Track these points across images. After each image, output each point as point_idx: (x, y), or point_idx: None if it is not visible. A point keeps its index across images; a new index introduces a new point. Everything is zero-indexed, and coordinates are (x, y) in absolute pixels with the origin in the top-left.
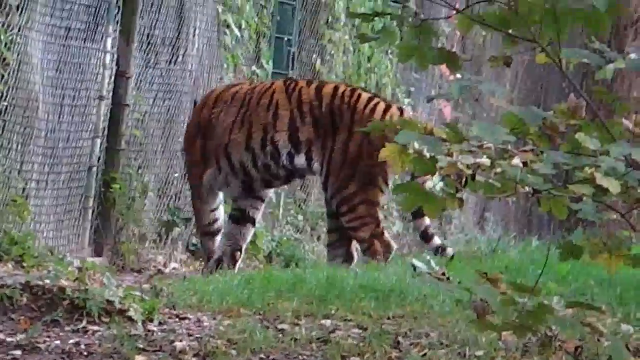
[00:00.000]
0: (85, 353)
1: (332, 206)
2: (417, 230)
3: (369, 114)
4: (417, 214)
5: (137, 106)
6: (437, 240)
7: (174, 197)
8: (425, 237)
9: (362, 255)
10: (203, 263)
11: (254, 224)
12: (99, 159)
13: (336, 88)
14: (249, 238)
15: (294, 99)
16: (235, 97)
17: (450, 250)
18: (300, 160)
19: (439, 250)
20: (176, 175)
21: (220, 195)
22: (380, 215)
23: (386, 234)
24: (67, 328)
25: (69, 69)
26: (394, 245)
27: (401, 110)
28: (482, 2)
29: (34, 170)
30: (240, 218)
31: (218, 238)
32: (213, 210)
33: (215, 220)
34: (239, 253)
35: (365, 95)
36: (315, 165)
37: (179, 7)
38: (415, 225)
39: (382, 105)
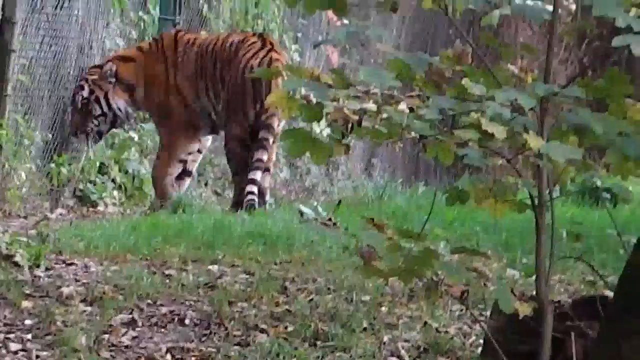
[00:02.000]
0: None
1: None
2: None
3: (249, 57)
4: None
5: (23, 52)
6: (258, 175)
7: (60, 143)
8: (252, 167)
9: None
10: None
11: (190, 175)
12: None
13: (234, 36)
14: (184, 188)
15: (219, 51)
16: (195, 44)
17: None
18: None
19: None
20: (62, 121)
21: None
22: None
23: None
24: None
25: None
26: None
27: (271, 45)
28: None
29: None
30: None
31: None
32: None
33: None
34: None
35: (250, 39)
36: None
37: None
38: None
39: (258, 44)
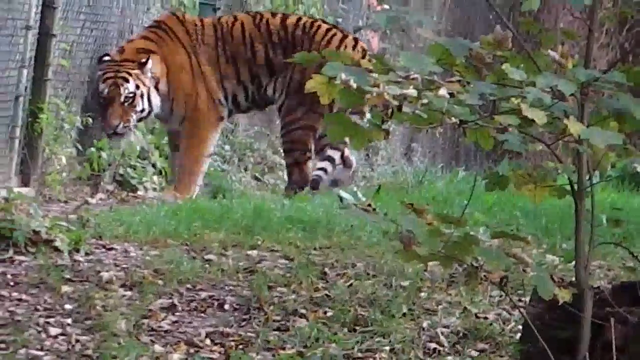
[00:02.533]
0: (12, 283)
1: (280, 131)
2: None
3: (325, 44)
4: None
5: (64, 36)
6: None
7: (100, 128)
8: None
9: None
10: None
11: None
12: (25, 88)
13: (299, 19)
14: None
15: (264, 31)
16: (205, 30)
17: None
18: (270, 89)
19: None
20: None
21: None
22: (311, 144)
23: (308, 165)
24: None
25: None
26: (309, 176)
27: (356, 41)
28: None
29: None
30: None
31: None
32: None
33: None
34: None
35: (324, 26)
36: (277, 93)
37: None
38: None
39: (339, 36)
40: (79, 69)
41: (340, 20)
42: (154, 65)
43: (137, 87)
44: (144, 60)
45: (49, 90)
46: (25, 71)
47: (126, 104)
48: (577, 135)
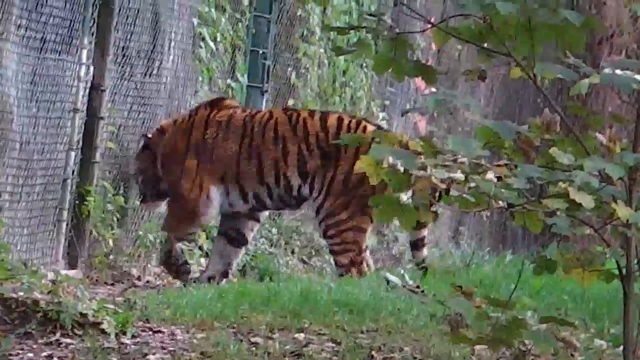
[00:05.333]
0: None
1: (321, 229)
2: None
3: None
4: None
5: (111, 119)
6: (425, 252)
7: (148, 210)
8: (417, 246)
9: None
10: (164, 267)
11: (247, 244)
12: (73, 171)
13: (340, 119)
14: (240, 257)
15: (300, 132)
16: (232, 122)
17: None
18: (306, 190)
19: (423, 262)
20: None
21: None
22: (364, 245)
23: (364, 265)
24: (40, 341)
25: (43, 82)
26: (368, 273)
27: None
28: (457, 16)
29: (7, 182)
30: (235, 239)
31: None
32: (201, 224)
33: (195, 232)
34: (230, 271)
35: (370, 127)
36: (314, 192)
37: (155, 20)
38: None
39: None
40: (126, 151)
41: (387, 102)
42: None
43: None
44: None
45: (97, 172)
46: (72, 154)
47: None
48: (625, 219)
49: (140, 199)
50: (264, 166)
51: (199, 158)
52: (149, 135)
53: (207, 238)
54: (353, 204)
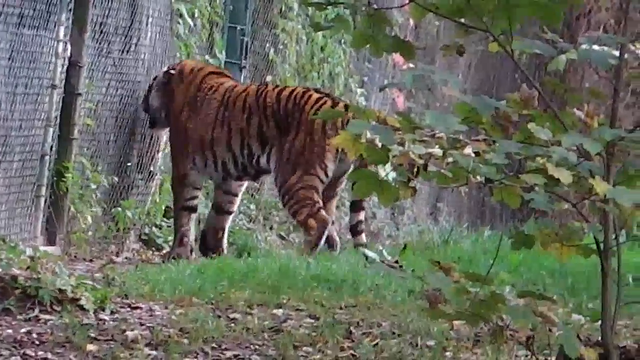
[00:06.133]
0: (37, 342)
1: (280, 199)
2: (349, 222)
3: (314, 113)
4: (355, 207)
5: (89, 95)
6: (363, 238)
7: (126, 187)
8: (354, 231)
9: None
10: (173, 240)
11: (231, 214)
12: (51, 147)
13: (292, 91)
14: (228, 224)
15: (261, 104)
16: (218, 90)
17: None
18: (264, 160)
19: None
20: (129, 164)
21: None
22: (317, 198)
23: (322, 212)
24: (19, 317)
25: (21, 58)
26: (330, 219)
27: (346, 107)
28: None
29: None
30: (218, 210)
31: (194, 216)
32: (195, 188)
33: (195, 197)
34: (221, 232)
35: (315, 96)
36: (272, 163)
37: None
38: (350, 217)
39: (329, 103)
40: (104, 128)
41: (365, 78)
42: None
43: None
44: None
45: (75, 149)
46: (50, 130)
47: None
48: (603, 195)
49: (150, 125)
50: (232, 133)
51: (189, 120)
52: (172, 72)
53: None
54: (299, 168)
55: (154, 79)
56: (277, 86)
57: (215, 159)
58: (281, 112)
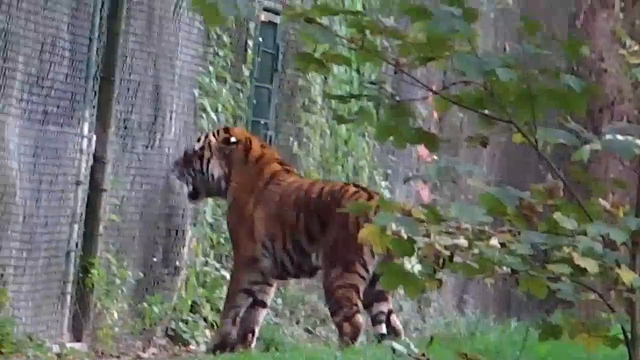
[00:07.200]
0: None
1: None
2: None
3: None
4: (379, 297)
5: (114, 191)
6: (383, 328)
7: (152, 282)
8: (374, 321)
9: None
10: (216, 337)
11: (265, 307)
12: (77, 244)
13: (333, 186)
14: (262, 320)
15: (305, 200)
16: (282, 185)
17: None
18: (314, 258)
19: (382, 337)
20: (154, 259)
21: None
22: (356, 299)
23: (358, 317)
24: None
25: (46, 154)
26: (362, 326)
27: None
28: (458, 83)
29: (12, 256)
30: (253, 302)
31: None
32: (263, 276)
33: (258, 282)
34: (251, 335)
35: (351, 190)
36: (320, 261)
37: (155, 92)
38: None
39: (364, 197)
40: (129, 223)
41: (389, 171)
42: None
43: None
44: None
45: (100, 245)
46: (76, 226)
47: None
48: (629, 284)
49: (191, 196)
50: (284, 229)
51: (255, 210)
52: (233, 140)
53: (211, 309)
54: (340, 264)
55: (198, 140)
56: (313, 183)
57: (275, 257)
58: (321, 206)
